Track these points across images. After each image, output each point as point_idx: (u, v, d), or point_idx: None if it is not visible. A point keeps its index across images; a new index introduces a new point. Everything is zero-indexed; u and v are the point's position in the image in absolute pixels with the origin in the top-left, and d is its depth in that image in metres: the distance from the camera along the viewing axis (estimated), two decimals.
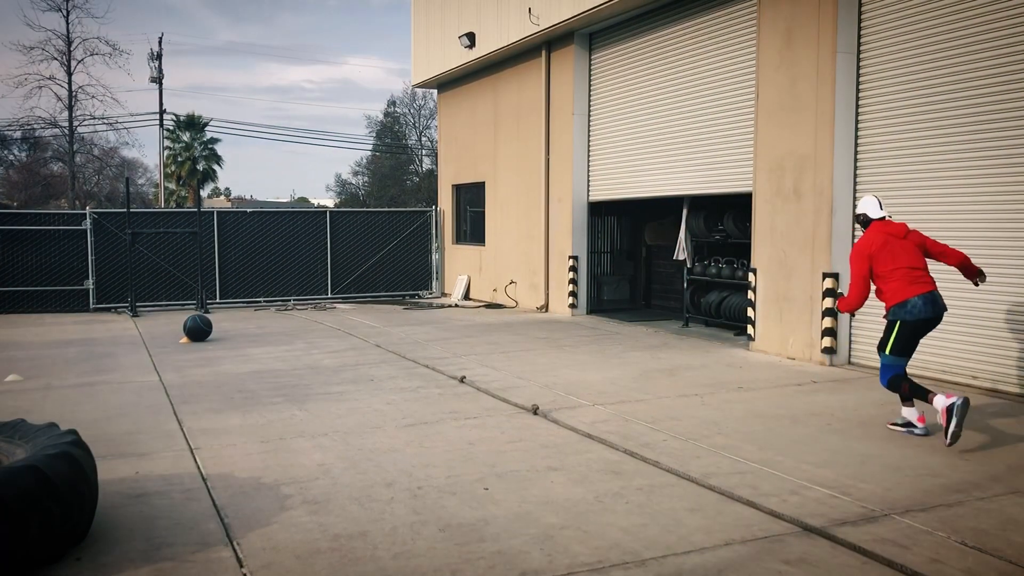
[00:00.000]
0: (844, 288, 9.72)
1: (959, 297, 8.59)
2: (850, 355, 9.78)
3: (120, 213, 17.76)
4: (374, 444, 6.45)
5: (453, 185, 20.13)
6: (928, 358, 8.84)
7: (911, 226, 9.05)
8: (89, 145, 42.12)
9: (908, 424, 6.60)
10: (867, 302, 6.67)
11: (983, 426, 6.84)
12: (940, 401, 6.09)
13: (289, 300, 18.68)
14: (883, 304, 6.59)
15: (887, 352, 6.53)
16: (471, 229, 19.75)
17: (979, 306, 8.39)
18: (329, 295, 19.14)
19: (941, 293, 6.61)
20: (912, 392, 6.44)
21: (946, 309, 6.60)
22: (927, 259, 6.67)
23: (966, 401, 5.99)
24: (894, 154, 9.29)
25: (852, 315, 6.67)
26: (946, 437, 5.96)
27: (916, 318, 6.40)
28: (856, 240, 6.74)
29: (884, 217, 6.81)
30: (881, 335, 6.65)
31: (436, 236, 20.19)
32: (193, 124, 49.89)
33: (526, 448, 6.30)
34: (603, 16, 13.82)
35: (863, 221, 6.85)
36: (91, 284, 17.39)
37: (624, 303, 16.36)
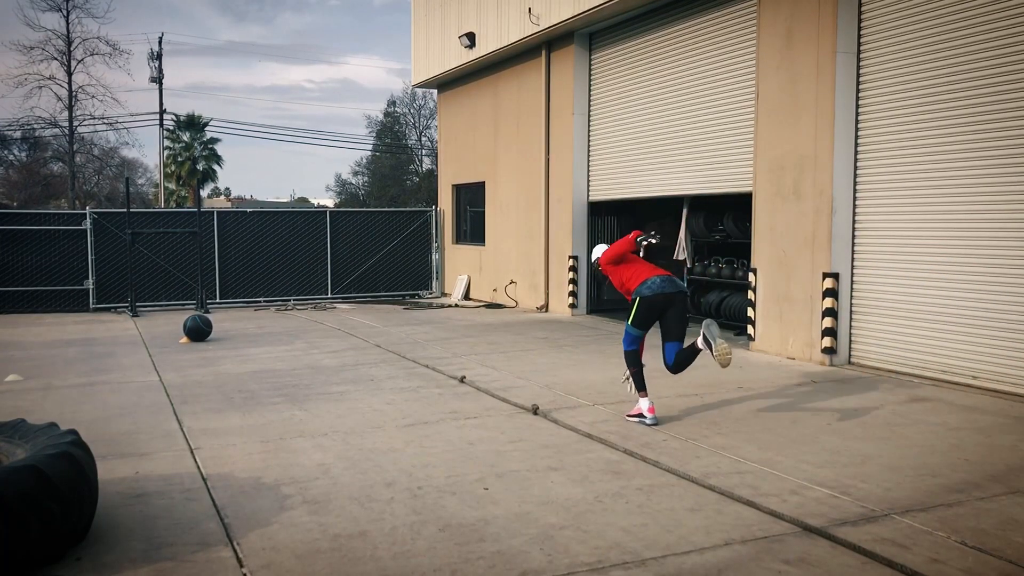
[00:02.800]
0: (844, 287, 9.73)
1: (960, 296, 8.59)
2: (850, 355, 9.78)
3: (120, 213, 17.76)
4: (374, 444, 6.45)
5: (453, 185, 20.13)
6: (928, 358, 8.85)
7: (913, 224, 9.10)
8: (89, 145, 42.15)
9: (640, 415, 7.02)
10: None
11: (983, 426, 6.84)
12: (644, 404, 6.98)
13: (289, 300, 18.68)
14: (632, 294, 7.29)
15: (630, 323, 7.23)
16: (471, 229, 19.75)
17: (979, 306, 8.39)
18: (329, 295, 19.14)
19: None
20: (636, 378, 7.11)
21: (685, 290, 7.32)
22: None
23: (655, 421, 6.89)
24: (894, 154, 9.29)
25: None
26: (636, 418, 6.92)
27: (654, 293, 7.09)
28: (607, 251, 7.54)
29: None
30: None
31: (436, 236, 20.19)
32: (193, 124, 49.87)
33: (526, 448, 6.30)
34: (603, 16, 13.81)
35: (596, 266, 7.78)
36: (91, 284, 17.39)
37: (624, 303, 16.32)
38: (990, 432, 6.64)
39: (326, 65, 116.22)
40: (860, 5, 9.60)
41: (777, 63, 10.43)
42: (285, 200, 65.96)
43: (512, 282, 17.25)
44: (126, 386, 9.04)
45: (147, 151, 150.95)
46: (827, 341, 9.73)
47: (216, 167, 51.56)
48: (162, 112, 41.65)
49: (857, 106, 9.67)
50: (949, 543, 4.36)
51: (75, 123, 37.29)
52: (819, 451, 6.11)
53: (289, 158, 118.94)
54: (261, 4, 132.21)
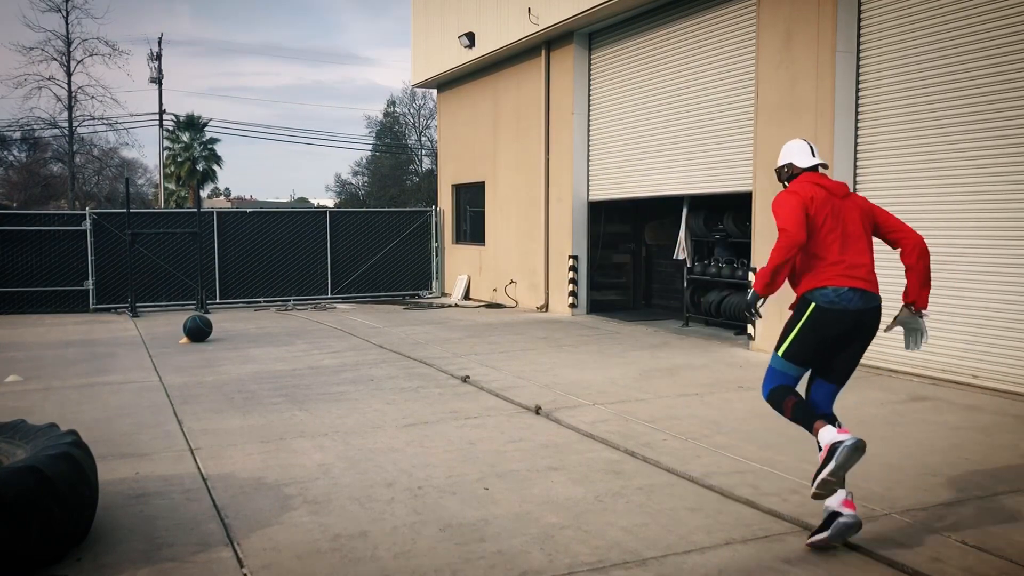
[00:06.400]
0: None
1: (961, 295, 8.59)
2: None
3: (120, 213, 17.76)
4: (374, 444, 6.45)
5: (453, 185, 20.13)
6: (929, 357, 8.84)
7: (913, 223, 9.05)
8: (89, 145, 42.13)
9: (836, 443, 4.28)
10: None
11: (984, 425, 6.84)
12: (827, 435, 4.27)
13: (289, 300, 18.68)
14: (798, 288, 4.62)
15: (779, 352, 4.59)
16: (471, 229, 19.75)
17: (980, 305, 8.38)
18: (329, 295, 19.14)
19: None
20: (797, 416, 4.51)
21: (879, 305, 4.78)
22: (874, 240, 4.88)
23: (858, 445, 4.17)
24: (894, 153, 9.29)
25: (762, 302, 4.58)
26: (812, 482, 4.23)
27: (835, 307, 4.44)
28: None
29: (818, 168, 4.80)
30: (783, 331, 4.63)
31: (436, 236, 20.19)
32: (193, 124, 49.82)
33: (526, 448, 6.30)
34: (602, 16, 13.81)
35: (788, 175, 4.84)
36: (91, 285, 17.38)
37: (624, 303, 16.36)
38: (991, 431, 6.64)
39: (328, 65, 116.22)
40: (859, 5, 9.60)
41: (777, 63, 10.43)
42: (285, 200, 65.98)
43: (512, 282, 17.25)
44: (126, 387, 9.04)
45: (147, 151, 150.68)
46: None
47: (216, 167, 51.53)
48: (162, 112, 41.64)
49: (857, 105, 9.66)
50: (950, 542, 4.36)
51: (75, 123, 37.31)
52: None
53: (289, 158, 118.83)
54: (261, 4, 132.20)
